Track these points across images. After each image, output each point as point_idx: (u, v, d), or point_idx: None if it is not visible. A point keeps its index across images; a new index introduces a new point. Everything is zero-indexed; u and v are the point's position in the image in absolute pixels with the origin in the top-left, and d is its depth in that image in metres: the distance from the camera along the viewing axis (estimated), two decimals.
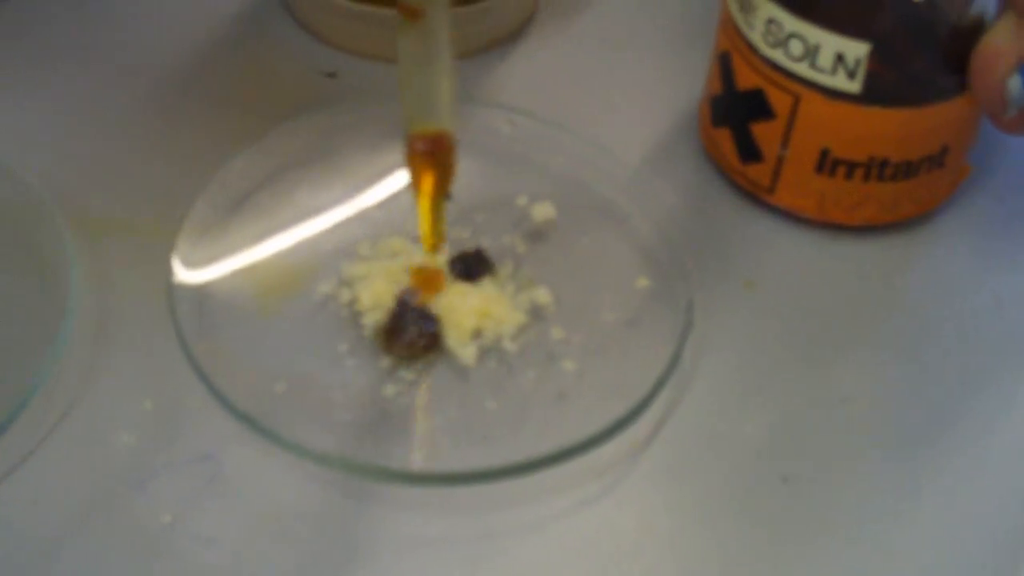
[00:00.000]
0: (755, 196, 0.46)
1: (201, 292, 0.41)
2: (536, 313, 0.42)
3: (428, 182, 0.40)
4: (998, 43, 0.41)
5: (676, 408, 0.40)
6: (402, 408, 0.39)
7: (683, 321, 0.41)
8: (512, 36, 0.51)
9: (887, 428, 0.41)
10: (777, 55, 0.43)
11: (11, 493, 0.38)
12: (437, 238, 0.42)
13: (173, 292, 0.41)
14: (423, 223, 0.41)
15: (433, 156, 0.40)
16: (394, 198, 0.45)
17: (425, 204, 0.41)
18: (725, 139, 0.46)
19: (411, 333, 0.40)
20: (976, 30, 0.42)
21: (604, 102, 0.50)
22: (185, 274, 0.41)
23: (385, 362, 0.40)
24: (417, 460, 0.38)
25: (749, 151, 0.45)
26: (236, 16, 0.52)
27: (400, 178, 0.45)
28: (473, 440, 0.39)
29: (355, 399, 0.39)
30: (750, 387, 0.41)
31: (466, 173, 0.45)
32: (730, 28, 0.45)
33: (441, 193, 0.41)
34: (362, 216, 0.44)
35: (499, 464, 0.38)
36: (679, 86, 0.50)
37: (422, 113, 0.40)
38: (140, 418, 0.39)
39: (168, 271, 0.41)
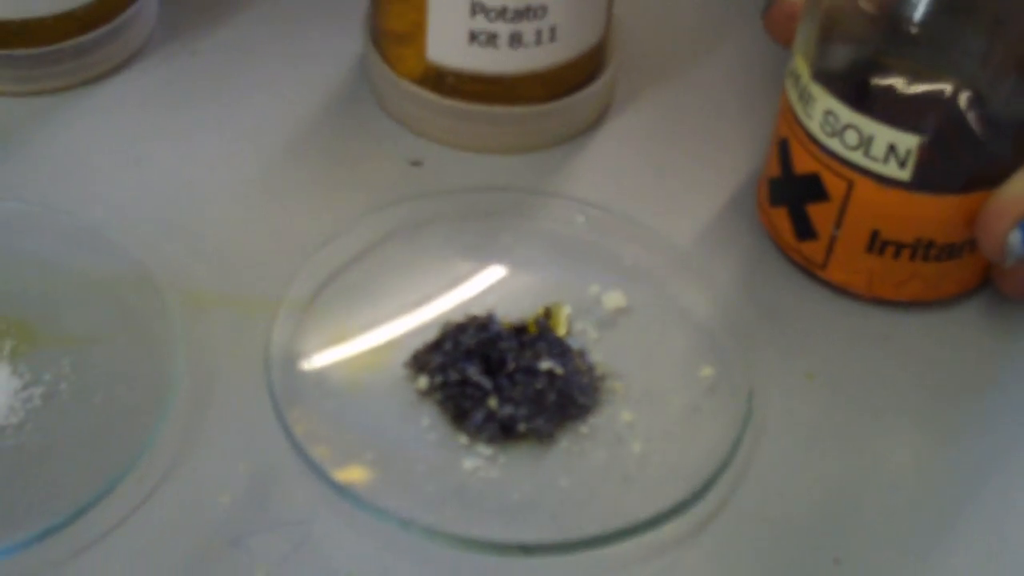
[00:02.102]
0: (809, 271, 0.49)
1: (295, 365, 0.44)
2: (607, 397, 0.45)
3: None
4: (1010, 194, 0.44)
5: (735, 492, 0.43)
6: (480, 481, 0.42)
7: (744, 409, 0.44)
8: (587, 130, 0.55)
9: (935, 507, 0.43)
10: (833, 143, 0.46)
11: (118, 545, 0.41)
12: None
13: (269, 364, 0.44)
14: None
15: None
16: (472, 283, 0.48)
17: None
18: (782, 218, 0.49)
19: (476, 419, 0.43)
20: (1018, 127, 0.45)
21: (670, 190, 0.52)
22: (281, 348, 0.44)
23: (463, 438, 0.43)
24: (493, 531, 0.41)
25: (804, 230, 0.48)
26: (331, 104, 0.55)
27: (479, 265, 0.49)
28: (545, 515, 0.42)
29: (436, 471, 0.42)
30: (806, 470, 0.44)
31: (542, 262, 0.49)
32: (789, 117, 0.48)
33: None
34: (444, 300, 0.47)
35: (567, 539, 0.41)
36: (739, 170, 0.53)
37: None
38: (236, 481, 0.42)
39: (266, 344, 0.44)
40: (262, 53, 0.57)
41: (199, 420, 0.44)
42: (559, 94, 0.53)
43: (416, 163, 0.53)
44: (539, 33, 0.51)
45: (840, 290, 0.49)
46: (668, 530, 0.41)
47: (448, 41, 0.51)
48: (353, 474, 0.42)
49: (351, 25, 0.56)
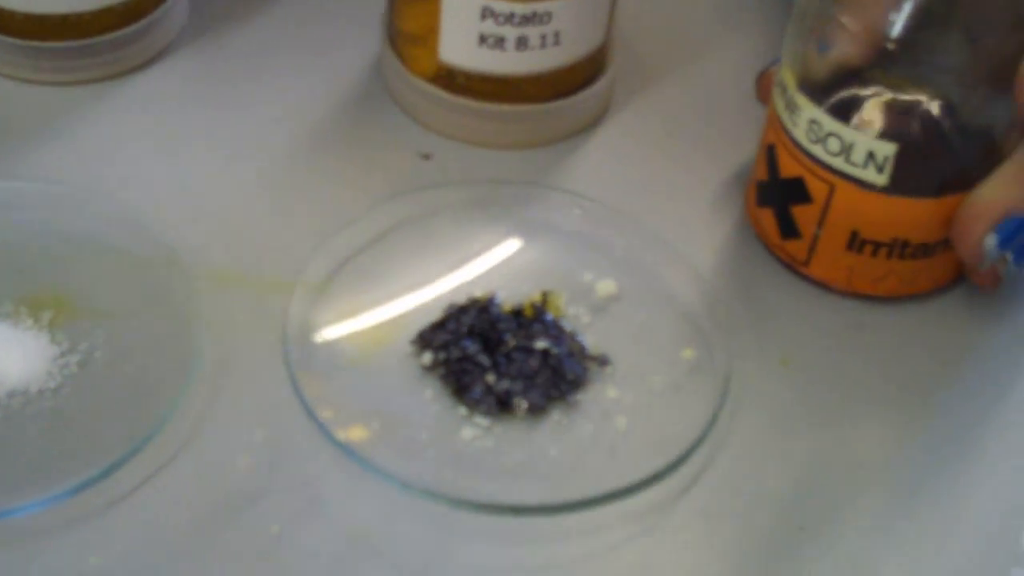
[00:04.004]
0: (792, 268, 0.52)
1: (309, 340, 0.48)
2: (596, 375, 0.48)
3: None
4: (984, 198, 0.48)
5: (711, 464, 0.47)
6: (477, 450, 0.46)
7: (721, 389, 0.47)
8: (587, 128, 0.58)
9: (896, 485, 0.47)
10: (817, 150, 0.50)
11: (145, 500, 0.44)
12: None
13: (287, 339, 0.47)
14: None
15: None
16: (475, 268, 0.52)
17: None
18: (768, 218, 0.52)
19: (475, 393, 0.47)
20: (987, 136, 0.49)
21: (663, 186, 0.56)
22: (297, 323, 0.48)
23: (463, 410, 0.47)
24: (487, 493, 0.45)
25: (789, 229, 0.52)
26: (348, 99, 0.58)
27: (482, 251, 0.52)
28: (536, 480, 0.45)
29: (437, 439, 0.46)
30: (777, 447, 0.47)
31: (541, 250, 0.52)
32: (776, 125, 0.51)
33: None
34: (449, 283, 0.51)
35: (555, 502, 0.44)
36: (728, 170, 0.56)
37: None
38: (253, 444, 0.46)
39: (283, 319, 0.48)
40: (285, 49, 0.60)
41: (220, 389, 0.47)
42: (561, 94, 0.57)
43: (426, 156, 0.57)
44: (544, 37, 0.54)
45: (821, 285, 0.52)
46: (648, 496, 0.45)
47: (459, 43, 0.55)
48: (360, 438, 0.45)
49: (369, 24, 0.60)
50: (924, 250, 0.51)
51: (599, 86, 0.58)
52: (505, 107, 0.56)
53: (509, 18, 0.54)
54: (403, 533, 0.44)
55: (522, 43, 0.54)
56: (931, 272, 0.52)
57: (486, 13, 0.54)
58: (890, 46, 0.48)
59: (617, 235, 0.52)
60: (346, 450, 0.45)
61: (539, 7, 0.53)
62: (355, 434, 0.45)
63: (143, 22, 0.58)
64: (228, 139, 0.57)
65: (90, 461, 0.44)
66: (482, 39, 0.54)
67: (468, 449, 0.46)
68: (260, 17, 0.62)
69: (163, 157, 0.56)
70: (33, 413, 0.46)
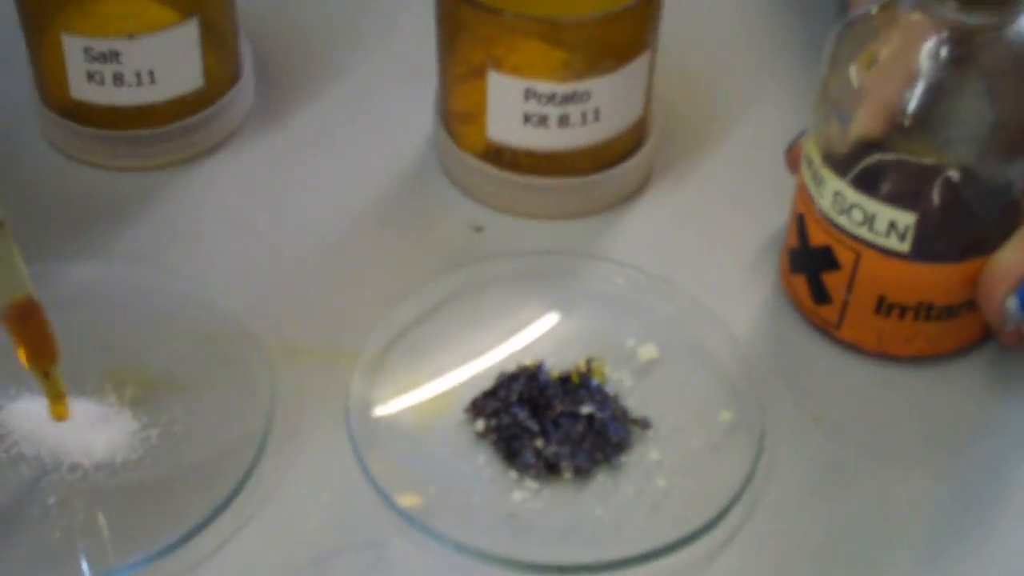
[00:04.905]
0: (825, 331, 0.55)
1: (371, 409, 0.52)
2: (639, 438, 0.51)
3: (30, 348, 0.46)
4: (1005, 261, 0.50)
5: (748, 520, 0.49)
6: (527, 511, 0.49)
7: (757, 448, 0.50)
8: (629, 197, 0.61)
9: (927, 540, 0.50)
10: (842, 220, 0.52)
11: (223, 563, 0.48)
12: (58, 401, 0.48)
13: (349, 409, 0.51)
14: (44, 390, 0.47)
15: (25, 322, 0.46)
16: (524, 337, 0.55)
17: (35, 372, 0.47)
18: (800, 283, 0.55)
19: (525, 458, 0.50)
20: (1006, 198, 0.51)
21: (701, 253, 0.59)
22: (358, 395, 0.52)
23: (513, 474, 0.50)
24: (538, 554, 0.48)
25: (820, 295, 0.55)
26: (404, 175, 0.62)
27: (530, 320, 0.56)
28: (583, 540, 0.49)
29: (490, 502, 0.50)
30: (811, 503, 0.50)
31: (586, 318, 0.56)
32: (805, 196, 0.54)
33: (48, 357, 0.46)
34: (499, 352, 0.54)
35: (602, 560, 0.48)
36: (763, 236, 0.59)
37: (5, 288, 0.46)
38: (321, 509, 0.50)
39: (346, 392, 0.52)
40: (344, 130, 0.64)
41: (290, 456, 0.51)
42: (604, 166, 0.60)
43: (478, 229, 0.60)
44: (584, 115, 0.58)
45: (852, 347, 0.55)
46: (688, 553, 0.48)
47: (505, 122, 0.58)
48: (418, 503, 0.49)
49: (423, 104, 0.63)
50: (949, 312, 0.53)
51: (639, 158, 0.61)
52: (550, 180, 0.60)
53: (551, 98, 0.57)
54: None
55: (564, 121, 0.58)
56: (957, 332, 0.54)
57: (529, 94, 0.57)
58: (907, 122, 0.50)
59: (658, 301, 0.56)
60: (405, 516, 0.48)
61: (579, 87, 0.57)
62: (412, 500, 0.49)
63: (211, 109, 0.62)
64: (292, 216, 0.61)
65: (171, 527, 0.48)
66: (526, 118, 0.58)
67: (519, 510, 0.49)
68: (320, 100, 0.66)
69: (232, 236, 0.60)
70: (118, 484, 0.50)
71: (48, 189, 0.62)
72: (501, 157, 0.60)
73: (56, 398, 0.49)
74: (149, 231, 0.60)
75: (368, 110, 0.65)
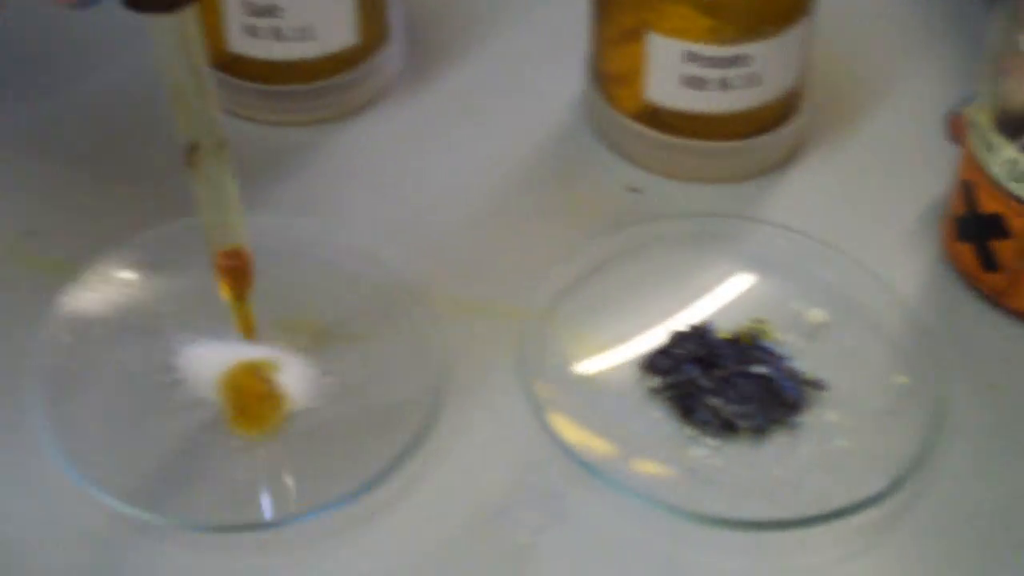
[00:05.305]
0: (993, 299, 0.55)
1: (544, 363, 0.52)
2: (813, 399, 0.52)
3: (234, 289, 0.49)
4: None
5: (928, 485, 0.49)
6: (707, 467, 0.49)
7: (935, 413, 0.50)
8: (783, 162, 0.61)
9: None
10: (1015, 187, 0.52)
11: (405, 511, 0.48)
12: (249, 330, 0.50)
13: (524, 362, 0.51)
14: (237, 320, 0.50)
15: (234, 269, 0.49)
16: (689, 297, 0.55)
17: (234, 306, 0.50)
18: (967, 252, 0.55)
19: (702, 415, 0.51)
20: None
21: (860, 219, 0.59)
22: (532, 347, 0.52)
23: (690, 431, 0.51)
24: (720, 509, 0.48)
25: (989, 263, 0.54)
26: (555, 137, 0.62)
27: (695, 281, 0.56)
28: (763, 497, 0.49)
29: (669, 457, 0.50)
30: (989, 469, 0.50)
31: (750, 280, 0.56)
32: (973, 163, 0.54)
33: (245, 295, 0.50)
34: (666, 311, 0.55)
35: (782, 518, 0.48)
36: (920, 201, 0.59)
37: (222, 237, 0.49)
38: (499, 461, 0.50)
39: (519, 344, 0.52)
40: (494, 91, 0.65)
41: (466, 408, 0.51)
42: (760, 130, 0.60)
43: (634, 190, 0.60)
44: (745, 78, 0.58)
45: (1021, 315, 0.55)
46: (869, 515, 0.48)
47: (664, 84, 0.58)
48: (599, 455, 0.49)
49: (572, 65, 0.64)
50: None
51: (796, 123, 0.61)
52: (707, 143, 0.60)
53: (712, 61, 0.57)
54: (642, 543, 0.48)
55: (724, 84, 0.58)
56: None
57: (689, 56, 0.57)
58: None
59: (822, 265, 0.56)
60: (588, 466, 0.48)
61: (740, 50, 0.57)
62: (592, 452, 0.49)
63: (364, 66, 0.63)
64: (444, 175, 0.61)
65: (352, 475, 0.48)
66: (686, 80, 0.58)
67: (698, 467, 0.49)
68: (470, 61, 0.66)
69: (386, 193, 0.60)
70: (298, 430, 0.50)
71: None
72: (657, 118, 0.60)
73: (248, 324, 0.50)
74: (305, 185, 0.60)
75: (517, 70, 0.65)
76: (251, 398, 0.51)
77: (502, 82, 0.65)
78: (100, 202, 0.59)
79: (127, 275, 0.54)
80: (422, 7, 0.68)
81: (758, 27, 0.57)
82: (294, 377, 0.51)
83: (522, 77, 0.65)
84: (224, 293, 0.50)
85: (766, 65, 0.58)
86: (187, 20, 0.44)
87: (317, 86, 0.62)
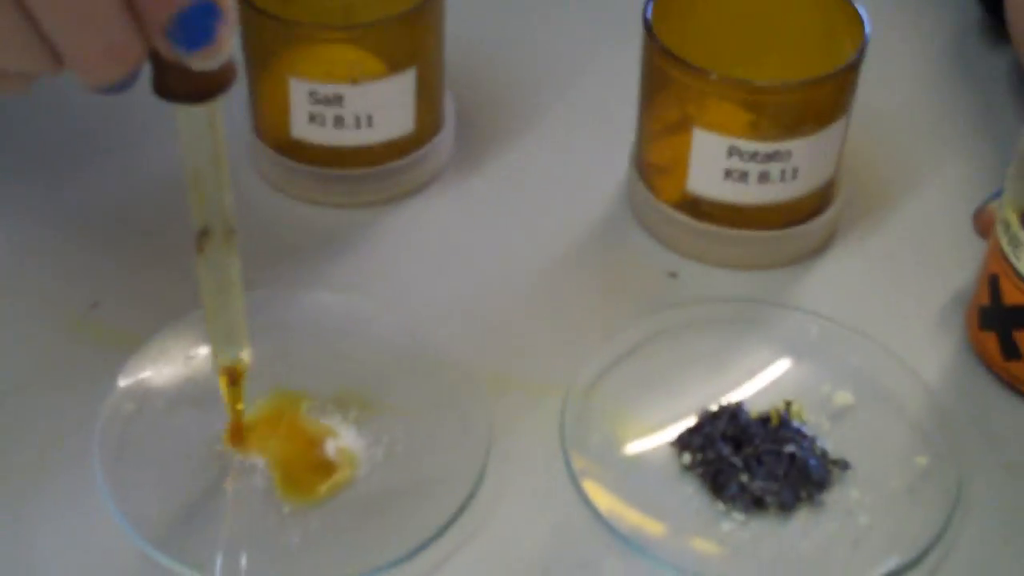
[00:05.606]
0: (1014, 386, 0.57)
1: (582, 438, 0.55)
2: (838, 478, 0.54)
3: (228, 392, 0.52)
4: None
5: (944, 562, 0.52)
6: (736, 540, 0.52)
7: (953, 494, 0.52)
8: (817, 251, 0.64)
9: None
10: None
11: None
12: (236, 433, 0.54)
13: (564, 438, 0.54)
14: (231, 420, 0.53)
15: (232, 372, 0.52)
16: (722, 378, 0.58)
17: (227, 407, 0.53)
18: (991, 340, 0.58)
19: (732, 491, 0.53)
20: None
21: (888, 307, 0.61)
22: (572, 424, 0.55)
23: (721, 505, 0.53)
24: None
25: (1011, 352, 0.57)
26: (598, 222, 0.65)
27: (728, 362, 0.58)
28: (788, 570, 0.51)
29: (700, 531, 0.52)
30: (1006, 549, 0.52)
31: (780, 362, 0.58)
32: (999, 256, 0.56)
33: (237, 399, 0.53)
34: (699, 391, 0.57)
35: None
36: (948, 289, 0.62)
37: (227, 346, 0.51)
38: (539, 530, 0.52)
39: (560, 421, 0.54)
40: (540, 176, 0.68)
41: (508, 479, 0.54)
42: (795, 221, 0.63)
43: (672, 275, 0.63)
44: (784, 172, 0.61)
45: None
46: None
47: (706, 176, 0.61)
48: (633, 527, 0.52)
49: (615, 153, 0.67)
50: None
51: (829, 214, 0.64)
52: (744, 232, 0.63)
53: (753, 156, 0.60)
54: None
55: (764, 177, 0.61)
56: None
57: (732, 151, 0.60)
58: None
59: (850, 350, 0.58)
60: (623, 538, 0.51)
61: (781, 146, 0.60)
62: (630, 522, 0.52)
63: (418, 152, 0.66)
64: (490, 256, 0.64)
65: (399, 541, 0.51)
66: (727, 173, 0.61)
67: (728, 540, 0.52)
68: (517, 148, 0.69)
69: (435, 272, 0.63)
70: (350, 499, 0.53)
71: (259, 220, 0.65)
72: (697, 208, 0.63)
73: (237, 426, 0.54)
74: (358, 264, 0.63)
75: (562, 158, 0.69)
76: (302, 467, 0.54)
77: (548, 168, 0.68)
78: (163, 276, 0.62)
79: (186, 348, 0.58)
80: (473, 96, 0.71)
81: (798, 126, 0.60)
82: (344, 447, 0.54)
83: (567, 164, 0.69)
84: (222, 388, 0.53)
85: (804, 160, 0.61)
86: (214, 111, 0.46)
87: (374, 171, 0.65)
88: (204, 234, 0.48)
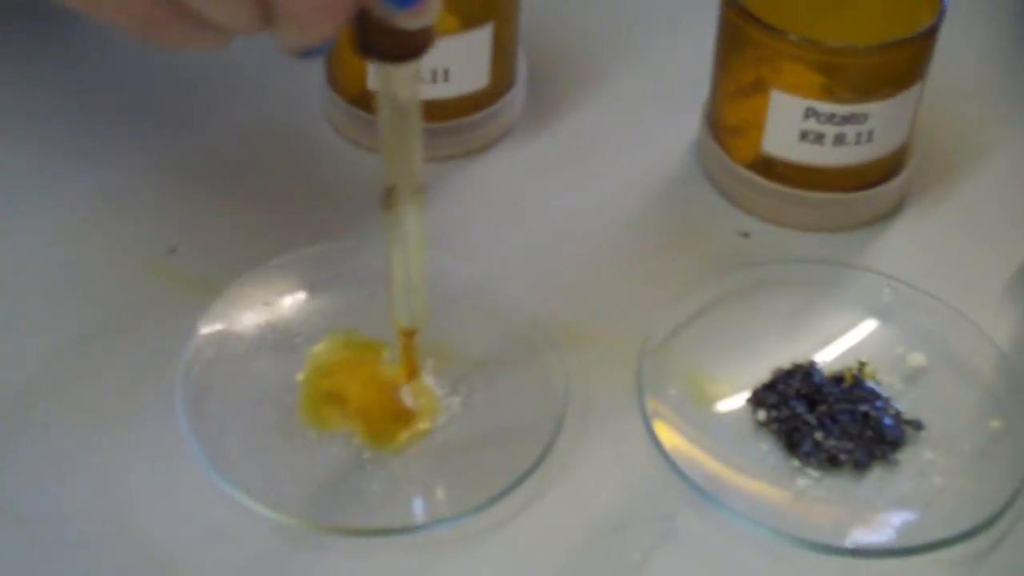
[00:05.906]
0: None
1: (659, 392, 0.55)
2: (911, 438, 0.54)
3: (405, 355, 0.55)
4: None
5: (1017, 524, 0.52)
6: (810, 498, 0.52)
7: None
8: (889, 214, 0.64)
9: None
10: None
11: (523, 526, 0.52)
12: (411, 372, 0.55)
13: (641, 390, 0.55)
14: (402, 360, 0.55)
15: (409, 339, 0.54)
16: (795, 336, 0.58)
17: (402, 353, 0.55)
18: None
19: (806, 448, 0.53)
20: None
21: (960, 270, 0.62)
22: (648, 378, 0.55)
23: (795, 462, 0.54)
24: (822, 536, 0.51)
25: None
26: (668, 181, 0.66)
27: (802, 322, 0.59)
28: (863, 527, 0.52)
29: (775, 486, 0.53)
30: None
31: (854, 324, 0.59)
32: None
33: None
34: (772, 349, 0.58)
35: (881, 546, 0.51)
36: (1016, 260, 0.62)
37: (407, 319, 0.53)
38: (613, 482, 0.53)
39: (637, 374, 0.55)
40: (611, 134, 0.68)
41: (584, 432, 0.55)
42: (868, 184, 0.63)
43: (744, 234, 0.63)
44: (859, 135, 0.61)
45: None
46: (960, 549, 0.51)
47: (782, 137, 0.62)
48: (709, 478, 0.52)
49: (686, 112, 0.67)
50: None
51: (901, 178, 0.64)
52: (817, 194, 0.63)
53: (830, 118, 0.60)
54: (745, 564, 0.51)
55: (839, 139, 0.61)
56: None
57: (809, 113, 0.60)
58: None
59: (922, 312, 0.59)
60: (700, 490, 0.52)
61: (858, 108, 0.60)
62: (706, 474, 0.52)
63: (491, 108, 0.66)
64: (563, 213, 0.65)
65: (476, 490, 0.52)
66: (803, 135, 0.61)
67: (803, 496, 0.52)
68: (587, 106, 0.70)
69: (506, 227, 0.64)
70: (429, 447, 0.54)
71: (333, 173, 0.66)
72: (771, 169, 0.63)
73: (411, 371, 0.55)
74: (432, 217, 0.63)
75: (632, 117, 0.69)
76: (383, 415, 0.54)
77: (618, 126, 0.69)
78: (240, 225, 0.63)
79: (265, 295, 0.58)
80: (545, 54, 0.72)
81: (875, 89, 0.60)
82: (423, 396, 0.55)
83: (637, 123, 0.69)
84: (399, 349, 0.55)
85: (881, 122, 0.61)
86: (416, 71, 0.47)
87: (448, 124, 0.66)
88: (390, 192, 0.49)
